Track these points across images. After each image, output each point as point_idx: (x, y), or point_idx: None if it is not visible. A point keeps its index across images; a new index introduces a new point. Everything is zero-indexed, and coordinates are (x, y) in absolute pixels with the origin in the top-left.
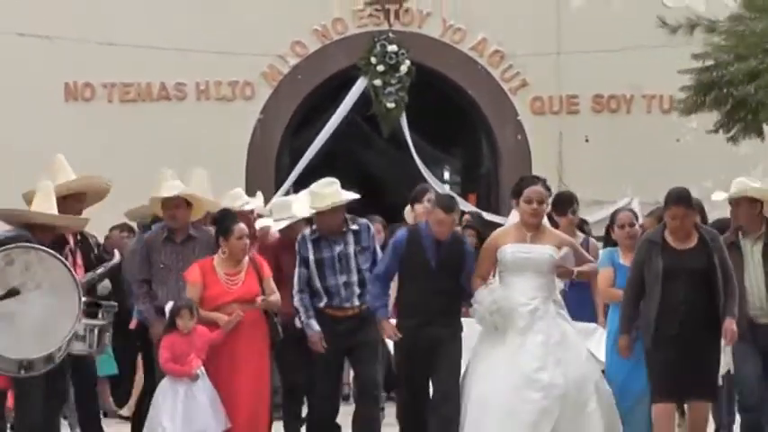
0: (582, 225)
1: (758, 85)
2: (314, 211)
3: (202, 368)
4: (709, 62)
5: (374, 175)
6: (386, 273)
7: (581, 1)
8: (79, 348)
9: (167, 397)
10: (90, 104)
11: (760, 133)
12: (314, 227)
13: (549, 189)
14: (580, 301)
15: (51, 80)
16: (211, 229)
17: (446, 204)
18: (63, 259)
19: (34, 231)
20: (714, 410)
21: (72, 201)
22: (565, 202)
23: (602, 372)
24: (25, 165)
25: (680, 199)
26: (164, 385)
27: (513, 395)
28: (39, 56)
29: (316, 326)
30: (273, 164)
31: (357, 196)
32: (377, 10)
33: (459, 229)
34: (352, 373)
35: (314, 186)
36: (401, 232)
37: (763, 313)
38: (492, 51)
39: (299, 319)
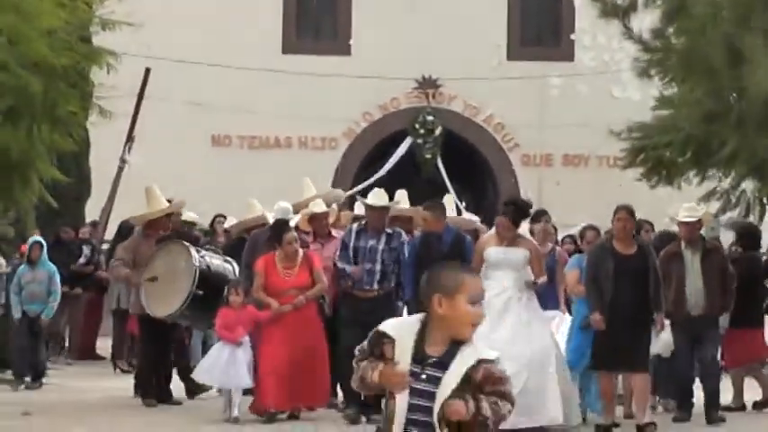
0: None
1: (671, 151)
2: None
3: (246, 337)
4: (639, 134)
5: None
6: (410, 263)
7: (557, 90)
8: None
9: (216, 354)
10: (228, 149)
11: (671, 183)
12: (363, 222)
13: (525, 213)
14: (546, 293)
15: (203, 133)
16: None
17: (431, 207)
18: (191, 249)
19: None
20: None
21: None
22: (537, 214)
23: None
24: (184, 194)
25: (624, 207)
26: (216, 345)
27: None
28: (193, 116)
29: (350, 268)
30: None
31: (396, 206)
32: (420, 92)
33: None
34: None
35: (374, 191)
36: (417, 235)
37: (697, 307)
38: (496, 123)
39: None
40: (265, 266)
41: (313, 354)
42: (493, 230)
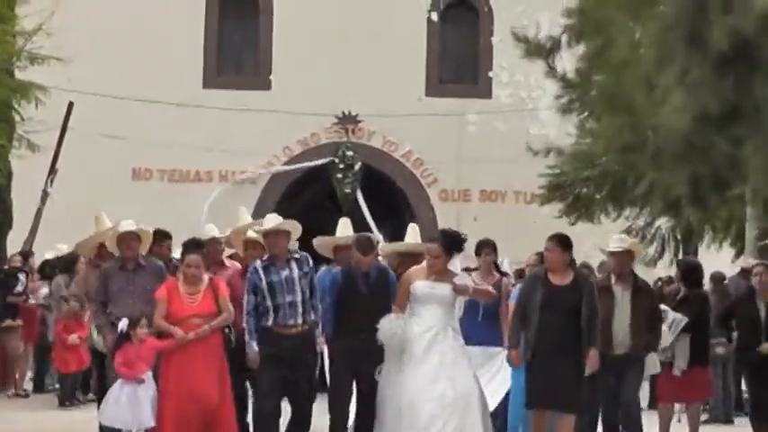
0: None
1: (588, 186)
2: (262, 231)
3: (149, 373)
4: (557, 171)
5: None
6: (333, 300)
7: (475, 126)
8: None
9: (116, 394)
10: (149, 182)
11: (590, 219)
12: (264, 256)
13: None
14: (491, 329)
15: (123, 166)
16: (157, 261)
17: (363, 248)
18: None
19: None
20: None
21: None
22: (479, 246)
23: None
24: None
25: (554, 236)
26: (116, 384)
27: (413, 402)
28: (114, 150)
29: (255, 347)
30: None
31: (298, 226)
32: (340, 128)
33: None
34: None
35: (267, 216)
36: (335, 270)
37: (622, 345)
38: (414, 158)
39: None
40: (168, 293)
41: (214, 401)
42: (423, 264)
